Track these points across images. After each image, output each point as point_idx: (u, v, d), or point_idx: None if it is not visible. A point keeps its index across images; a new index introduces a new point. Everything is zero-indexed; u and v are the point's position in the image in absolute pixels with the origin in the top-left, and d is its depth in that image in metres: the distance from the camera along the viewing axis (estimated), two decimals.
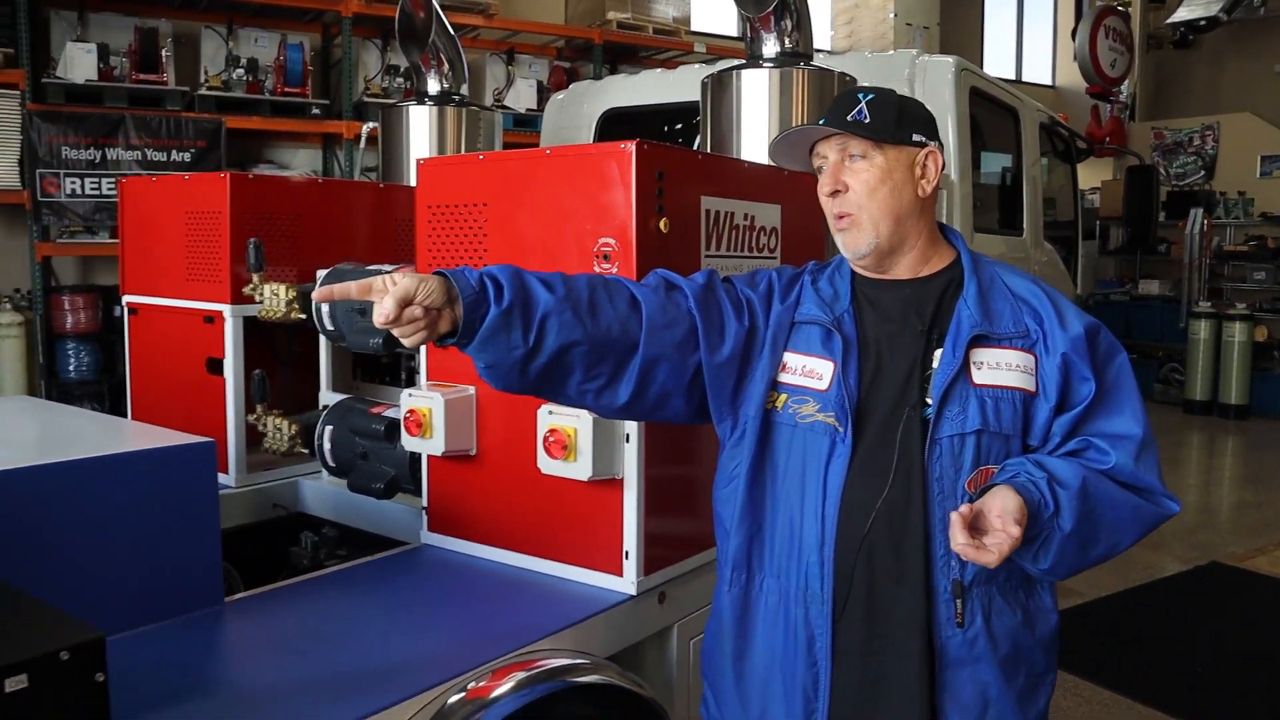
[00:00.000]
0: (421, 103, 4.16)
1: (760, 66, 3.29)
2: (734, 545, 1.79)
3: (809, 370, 1.73)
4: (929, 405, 1.65)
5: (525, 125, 7.69)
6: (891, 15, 9.46)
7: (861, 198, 1.72)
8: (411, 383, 2.94)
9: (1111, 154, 11.98)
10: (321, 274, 2.94)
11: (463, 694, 1.82)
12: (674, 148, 2.32)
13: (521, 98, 8.08)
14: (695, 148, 3.67)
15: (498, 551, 2.45)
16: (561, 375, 1.65)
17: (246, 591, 2.34)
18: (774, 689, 1.75)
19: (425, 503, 2.58)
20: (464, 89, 4.24)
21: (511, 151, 2.45)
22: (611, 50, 8.68)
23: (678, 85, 4.53)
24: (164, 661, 1.90)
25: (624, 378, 1.68)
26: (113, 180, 6.14)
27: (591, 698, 2.00)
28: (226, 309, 3.04)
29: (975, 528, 1.51)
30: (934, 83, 3.98)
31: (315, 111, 7.16)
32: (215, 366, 3.08)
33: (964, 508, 1.52)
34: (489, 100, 8.02)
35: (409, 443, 2.47)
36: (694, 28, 9.26)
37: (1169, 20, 13.54)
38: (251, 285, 2.97)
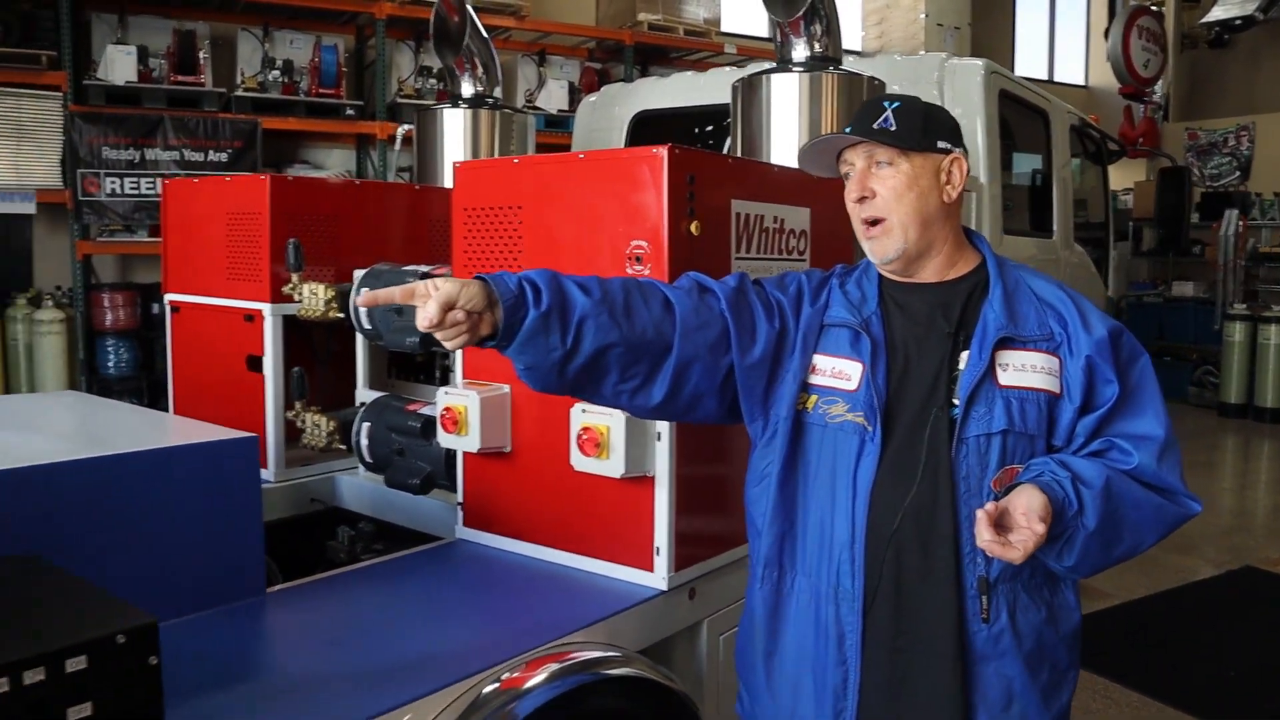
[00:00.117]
0: (456, 105, 4.22)
1: (790, 71, 3.31)
2: (765, 543, 1.83)
3: (838, 372, 1.76)
4: (955, 406, 1.69)
5: (557, 126, 7.74)
6: (922, 16, 9.40)
7: (888, 204, 1.75)
8: (445, 381, 2.99)
9: (1144, 155, 11.86)
10: (359, 274, 3.00)
11: (497, 684, 1.86)
12: (705, 152, 2.36)
13: (553, 98, 8.13)
14: (725, 151, 3.71)
15: (531, 547, 2.50)
16: (598, 376, 1.69)
17: (286, 583, 2.39)
18: (804, 686, 1.78)
19: (460, 498, 2.63)
20: (497, 91, 4.30)
21: (546, 155, 2.50)
22: (642, 51, 8.72)
23: (708, 88, 4.56)
24: (210, 648, 1.96)
25: (658, 379, 1.73)
26: (151, 180, 6.26)
27: (623, 690, 2.04)
28: (266, 308, 3.10)
29: (1000, 525, 1.54)
30: (963, 86, 3.99)
31: (349, 112, 7.25)
32: (255, 364, 3.15)
33: (989, 505, 1.55)
34: (521, 101, 8.08)
35: (445, 439, 2.52)
36: (724, 29, 9.27)
37: (1204, 20, 13.41)
38: (291, 284, 3.03)
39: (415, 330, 2.65)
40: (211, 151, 6.48)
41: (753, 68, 3.67)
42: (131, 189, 6.28)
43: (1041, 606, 1.72)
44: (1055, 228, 4.84)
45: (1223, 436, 9.90)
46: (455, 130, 4.19)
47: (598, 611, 2.16)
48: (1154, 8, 12.05)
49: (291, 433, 3.14)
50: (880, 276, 1.84)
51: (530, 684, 1.88)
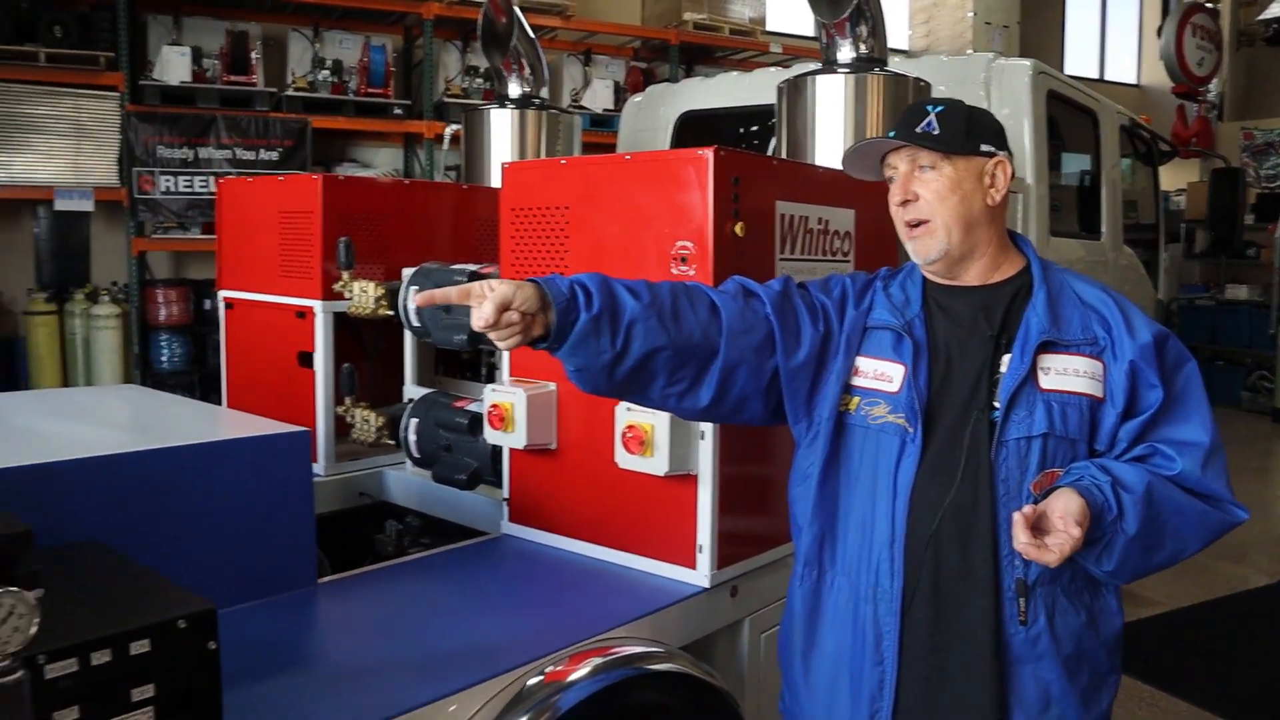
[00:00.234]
0: (503, 105, 4.27)
1: (835, 72, 3.32)
2: (806, 542, 1.85)
3: (880, 373, 1.78)
4: (996, 409, 1.69)
5: (602, 125, 7.77)
6: (970, 14, 9.29)
7: (932, 206, 1.76)
8: (492, 378, 3.03)
9: (1197, 155, 11.65)
10: (407, 272, 3.05)
11: (541, 677, 1.89)
12: (750, 153, 2.38)
13: (598, 98, 8.17)
14: (770, 151, 3.72)
15: (575, 543, 2.53)
16: (646, 379, 1.72)
17: (335, 575, 2.45)
18: (841, 684, 1.80)
19: (506, 494, 2.67)
20: (544, 91, 4.34)
21: (592, 156, 2.53)
22: (688, 51, 8.74)
23: (753, 89, 4.57)
24: (264, 636, 2.01)
25: (705, 381, 1.75)
26: (205, 178, 6.39)
27: (665, 685, 2.06)
28: (318, 305, 3.16)
29: (1038, 528, 1.55)
30: (1010, 86, 3.96)
31: (397, 112, 7.35)
32: (306, 360, 3.21)
33: (1027, 508, 1.56)
34: (566, 100, 8.13)
35: (491, 436, 2.56)
36: (769, 28, 9.26)
37: (1261, 17, 13.13)
38: (341, 282, 3.09)
39: (463, 328, 2.73)
40: (262, 150, 6.60)
41: (798, 68, 3.68)
42: (185, 187, 6.41)
43: (1081, 610, 1.72)
44: (1104, 229, 4.79)
45: (1276, 443, 9.72)
46: (502, 130, 4.25)
47: (640, 608, 2.18)
48: (1209, 5, 11.82)
49: (341, 428, 3.20)
50: (924, 279, 1.85)
51: (573, 677, 1.91)
